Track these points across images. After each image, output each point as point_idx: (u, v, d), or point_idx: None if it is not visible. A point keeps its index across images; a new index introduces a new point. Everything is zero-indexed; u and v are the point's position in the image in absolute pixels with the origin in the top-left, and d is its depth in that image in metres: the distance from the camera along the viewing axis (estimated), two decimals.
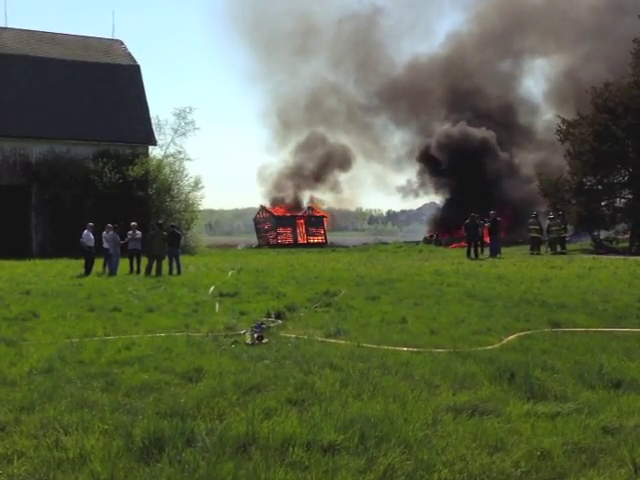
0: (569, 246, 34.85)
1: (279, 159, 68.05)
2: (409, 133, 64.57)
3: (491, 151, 53.33)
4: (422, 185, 62.42)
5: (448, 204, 57.84)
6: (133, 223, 23.21)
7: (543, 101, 61.08)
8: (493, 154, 53.30)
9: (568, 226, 35.05)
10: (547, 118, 56.38)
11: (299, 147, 67.22)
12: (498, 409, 5.48)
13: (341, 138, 68.21)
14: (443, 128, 56.84)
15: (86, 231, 22.64)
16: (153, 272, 21.04)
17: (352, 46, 68.88)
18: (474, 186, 50.22)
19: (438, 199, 64.20)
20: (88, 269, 21.64)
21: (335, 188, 69.34)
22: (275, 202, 63.62)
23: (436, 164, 56.13)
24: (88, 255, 22.03)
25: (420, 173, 61.56)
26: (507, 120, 57.06)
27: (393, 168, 72.56)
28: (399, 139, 66.82)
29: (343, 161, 67.16)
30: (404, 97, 61.83)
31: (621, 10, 49.12)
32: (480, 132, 53.74)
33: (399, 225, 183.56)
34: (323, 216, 60.55)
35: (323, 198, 68.20)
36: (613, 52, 41.71)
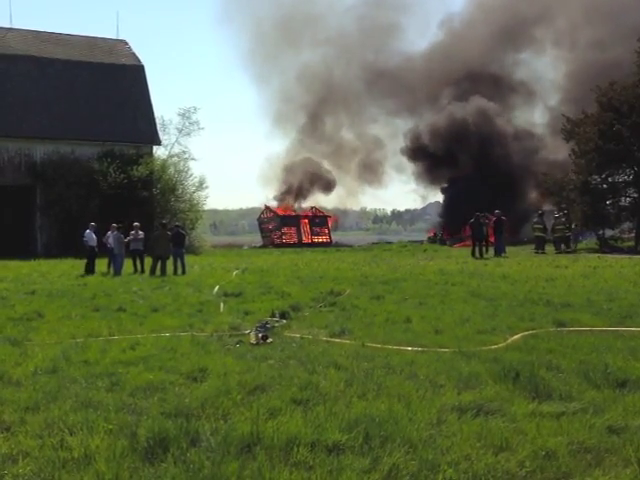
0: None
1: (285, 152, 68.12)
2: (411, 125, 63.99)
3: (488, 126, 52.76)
4: (424, 179, 61.78)
5: (450, 198, 57.21)
6: (136, 223, 23.22)
7: (545, 93, 60.74)
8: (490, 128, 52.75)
9: (573, 225, 35.00)
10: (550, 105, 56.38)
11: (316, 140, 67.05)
12: (503, 409, 5.47)
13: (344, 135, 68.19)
14: (434, 118, 56.38)
15: (88, 231, 22.73)
16: (157, 272, 21.07)
17: (354, 37, 68.78)
18: (474, 175, 49.82)
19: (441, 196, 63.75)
20: (89, 269, 21.70)
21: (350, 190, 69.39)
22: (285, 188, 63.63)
23: (431, 156, 55.75)
24: (90, 255, 22.10)
25: (418, 167, 61.10)
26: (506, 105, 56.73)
27: (397, 167, 72.33)
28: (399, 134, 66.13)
29: (376, 169, 67.26)
30: (407, 89, 61.62)
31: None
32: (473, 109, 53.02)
33: (403, 224, 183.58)
34: (327, 216, 60.50)
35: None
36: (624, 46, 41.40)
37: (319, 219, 58.26)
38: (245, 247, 52.90)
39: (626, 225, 37.30)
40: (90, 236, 22.50)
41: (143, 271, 21.95)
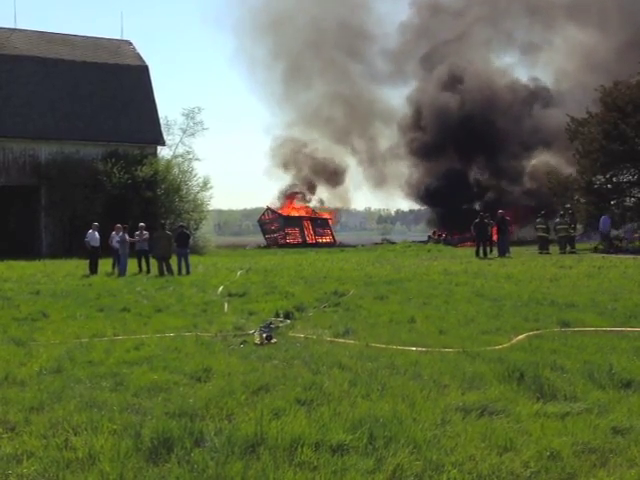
0: (578, 245, 34.71)
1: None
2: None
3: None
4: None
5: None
6: (141, 224, 23.27)
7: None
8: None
9: (578, 225, 34.94)
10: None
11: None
12: (507, 409, 5.46)
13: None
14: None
15: (91, 231, 22.82)
16: (156, 271, 21.16)
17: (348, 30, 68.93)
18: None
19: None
20: (93, 269, 21.75)
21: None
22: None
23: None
24: (93, 255, 22.15)
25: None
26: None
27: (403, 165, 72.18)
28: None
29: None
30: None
31: None
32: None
33: (407, 224, 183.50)
34: (328, 218, 60.49)
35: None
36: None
37: (321, 220, 58.31)
38: (247, 247, 52.69)
39: (630, 225, 37.21)
40: (92, 236, 22.57)
41: (149, 271, 21.98)
